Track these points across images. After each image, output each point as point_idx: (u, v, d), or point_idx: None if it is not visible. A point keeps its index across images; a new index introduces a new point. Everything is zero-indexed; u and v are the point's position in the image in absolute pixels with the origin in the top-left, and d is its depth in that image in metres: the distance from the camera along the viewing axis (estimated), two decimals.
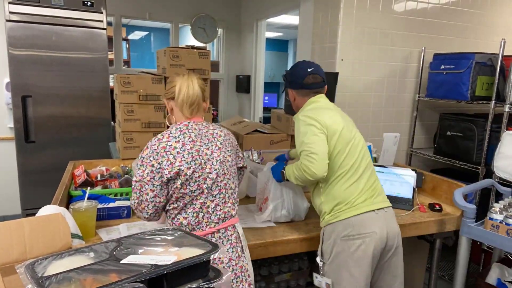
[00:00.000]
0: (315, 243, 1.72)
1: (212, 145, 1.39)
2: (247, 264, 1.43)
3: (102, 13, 3.18)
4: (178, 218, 1.36)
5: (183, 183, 1.31)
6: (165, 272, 0.66)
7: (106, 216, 1.76)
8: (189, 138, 1.34)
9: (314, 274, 1.64)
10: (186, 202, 1.34)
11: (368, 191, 1.59)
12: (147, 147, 1.34)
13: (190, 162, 1.31)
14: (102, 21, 3.20)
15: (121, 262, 0.71)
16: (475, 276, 2.23)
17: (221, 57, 5.04)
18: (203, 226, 1.36)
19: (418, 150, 3.16)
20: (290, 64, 7.57)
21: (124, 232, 1.63)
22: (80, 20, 3.13)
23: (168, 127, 1.46)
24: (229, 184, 1.42)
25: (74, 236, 1.34)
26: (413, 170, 2.22)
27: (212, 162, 1.36)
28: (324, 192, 1.62)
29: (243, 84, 4.82)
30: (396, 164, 2.53)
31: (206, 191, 1.35)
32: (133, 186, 1.36)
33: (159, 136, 1.35)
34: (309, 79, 1.70)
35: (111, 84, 3.45)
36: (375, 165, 2.28)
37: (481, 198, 2.69)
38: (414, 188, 2.17)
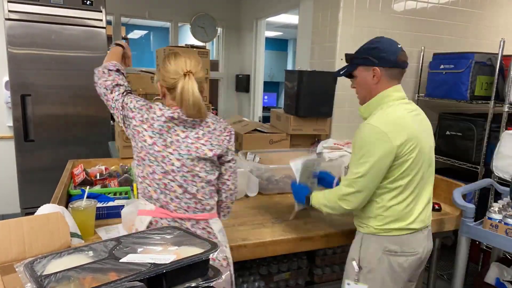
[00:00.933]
0: (314, 243, 1.72)
1: (187, 159, 1.29)
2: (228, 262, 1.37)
3: (101, 12, 3.18)
4: (148, 190, 1.32)
5: (142, 148, 1.29)
6: (164, 271, 0.66)
7: (105, 215, 1.76)
8: (163, 142, 1.28)
9: (347, 281, 1.54)
10: (148, 172, 1.30)
11: (424, 210, 1.49)
12: (136, 100, 1.36)
13: (153, 161, 1.28)
14: (101, 20, 3.19)
15: (120, 261, 0.71)
16: (474, 275, 2.23)
17: (220, 56, 5.04)
18: (171, 210, 1.30)
19: None
20: (289, 64, 7.56)
21: (123, 231, 1.63)
22: (79, 19, 3.12)
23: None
24: (198, 174, 1.32)
25: (73, 235, 1.34)
26: None
27: (176, 176, 1.28)
28: (380, 207, 1.46)
29: (243, 83, 4.82)
30: None
31: (170, 176, 1.28)
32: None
33: (145, 115, 1.30)
34: (403, 55, 1.44)
35: None
36: None
37: (480, 197, 2.70)
38: None
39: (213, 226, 1.36)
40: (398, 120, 1.39)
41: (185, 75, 1.30)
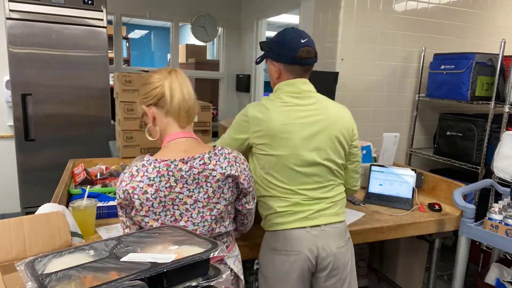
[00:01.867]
0: None
1: (199, 192, 1.11)
2: None
3: (102, 11, 3.18)
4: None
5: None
6: (165, 270, 0.66)
7: (106, 215, 1.76)
8: (166, 183, 1.07)
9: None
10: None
11: (307, 207, 1.40)
12: (121, 180, 1.09)
13: (159, 213, 1.08)
14: (102, 20, 3.20)
15: (121, 260, 0.71)
16: (474, 276, 2.23)
17: (221, 56, 5.04)
18: None
19: (418, 150, 3.16)
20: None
21: (121, 231, 1.63)
22: (80, 18, 3.13)
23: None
24: (219, 236, 1.19)
25: (73, 234, 1.34)
26: (412, 170, 2.23)
27: (192, 214, 1.11)
28: (258, 199, 1.44)
29: (243, 83, 4.82)
30: (395, 164, 2.53)
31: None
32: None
33: (134, 169, 1.08)
34: (303, 53, 1.40)
35: (111, 82, 3.45)
36: (374, 165, 2.29)
37: (480, 198, 2.70)
38: (413, 188, 2.17)
39: (228, 261, 1.24)
40: (264, 111, 1.39)
41: (170, 72, 1.15)
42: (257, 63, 1.62)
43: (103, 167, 2.23)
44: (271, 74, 1.52)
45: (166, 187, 1.07)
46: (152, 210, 1.07)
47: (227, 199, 1.16)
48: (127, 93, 2.29)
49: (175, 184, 1.08)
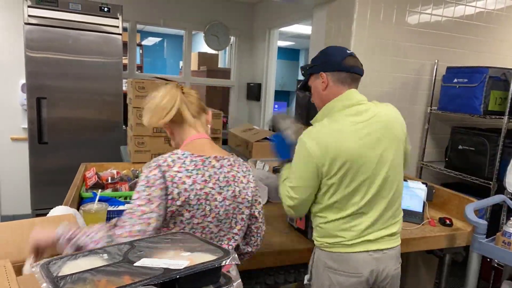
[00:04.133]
0: None
1: (227, 190, 1.17)
2: None
3: (118, 18, 3.24)
4: None
5: (180, 220, 1.13)
6: (177, 276, 0.67)
7: None
8: (202, 177, 1.13)
9: None
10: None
11: (373, 233, 1.37)
12: (149, 170, 1.10)
13: (193, 205, 1.11)
14: (118, 27, 3.26)
15: (134, 265, 0.72)
16: None
17: (232, 65, 5.08)
18: None
19: (429, 163, 3.13)
20: (300, 74, 7.59)
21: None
22: (96, 25, 3.19)
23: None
24: (234, 238, 1.22)
25: None
26: (423, 183, 2.20)
27: (219, 211, 1.16)
28: (320, 223, 1.42)
29: (254, 92, 4.85)
30: (406, 176, 2.51)
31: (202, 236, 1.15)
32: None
33: (169, 160, 1.11)
34: (350, 60, 1.39)
35: (124, 88, 3.50)
36: None
37: (492, 214, 2.65)
38: (424, 202, 2.15)
39: (233, 273, 1.23)
40: (329, 137, 1.32)
41: (166, 86, 1.23)
42: (300, 89, 1.60)
43: (114, 171, 2.26)
44: (317, 90, 1.45)
45: (202, 181, 1.13)
46: (188, 202, 1.10)
47: (250, 201, 1.23)
48: (140, 99, 2.32)
49: (209, 179, 1.14)
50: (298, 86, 1.61)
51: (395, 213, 1.43)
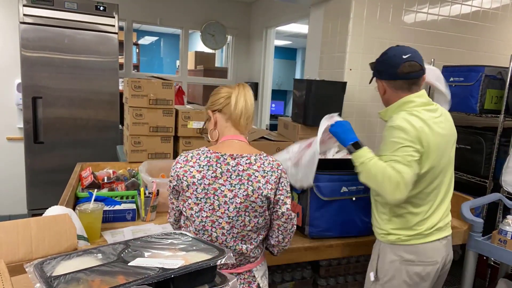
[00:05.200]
0: (319, 253, 1.71)
1: (240, 188, 1.18)
2: None
3: (114, 17, 3.23)
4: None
5: (190, 214, 1.22)
6: (172, 276, 0.66)
7: (112, 219, 1.77)
8: (212, 173, 1.18)
9: None
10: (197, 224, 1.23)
11: (440, 222, 1.50)
12: (176, 162, 1.23)
13: (201, 198, 1.18)
14: (114, 26, 3.24)
15: (129, 264, 0.71)
16: None
17: (229, 64, 5.07)
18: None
19: None
20: (298, 73, 7.59)
21: (128, 236, 1.63)
22: (92, 24, 3.18)
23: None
24: (248, 235, 1.23)
25: (79, 237, 1.35)
26: None
27: (229, 208, 1.18)
28: (393, 212, 1.48)
29: None
30: None
31: (214, 237, 1.20)
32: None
33: (189, 155, 1.22)
34: (405, 67, 1.44)
35: (120, 87, 3.49)
36: None
37: (488, 212, 2.66)
38: None
39: (256, 274, 1.30)
40: (418, 127, 1.39)
41: (238, 85, 1.29)
42: (370, 82, 1.72)
43: (110, 171, 2.25)
44: (381, 91, 1.60)
45: (212, 177, 1.18)
46: (195, 195, 1.17)
47: (264, 201, 1.21)
48: (136, 98, 2.31)
49: (220, 176, 1.18)
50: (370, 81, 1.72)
51: (449, 202, 1.58)
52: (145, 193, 1.80)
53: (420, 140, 1.37)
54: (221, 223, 1.19)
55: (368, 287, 1.59)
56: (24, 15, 3.00)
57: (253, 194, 1.19)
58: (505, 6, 3.25)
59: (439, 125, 1.44)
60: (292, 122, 2.75)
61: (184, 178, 1.19)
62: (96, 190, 1.79)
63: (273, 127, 3.84)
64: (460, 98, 2.73)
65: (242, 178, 1.19)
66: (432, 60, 3.01)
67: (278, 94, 7.24)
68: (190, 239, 0.85)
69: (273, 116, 5.46)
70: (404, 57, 1.45)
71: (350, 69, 2.79)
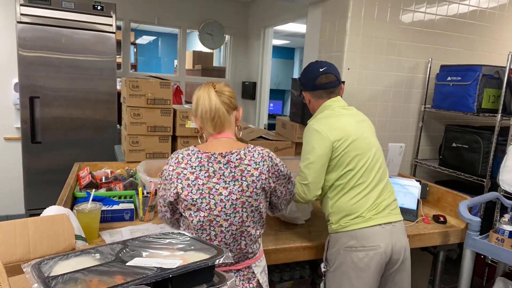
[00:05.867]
0: (317, 252, 1.71)
1: (234, 185, 1.19)
2: None
3: (111, 17, 3.22)
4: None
5: (189, 214, 1.21)
6: (170, 275, 0.66)
7: (110, 219, 1.76)
8: (205, 173, 1.19)
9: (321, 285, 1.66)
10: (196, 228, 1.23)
11: (378, 205, 1.56)
12: (167, 162, 1.24)
13: (196, 199, 1.18)
14: (111, 25, 3.23)
15: (127, 264, 0.71)
16: None
17: (227, 63, 5.07)
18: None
19: (423, 161, 3.15)
20: (296, 72, 7.61)
21: (127, 236, 1.63)
22: (90, 23, 3.17)
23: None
24: (247, 231, 1.24)
25: (77, 237, 1.35)
26: (417, 181, 2.21)
27: (225, 205, 1.19)
28: (332, 204, 1.60)
29: (249, 91, 4.84)
30: (400, 174, 2.52)
31: (212, 234, 1.21)
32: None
33: (180, 157, 1.22)
34: (322, 79, 1.65)
35: (118, 87, 3.48)
36: None
37: (485, 211, 2.67)
38: (418, 199, 2.16)
39: (256, 270, 1.32)
40: (333, 121, 1.60)
41: (203, 85, 1.29)
42: (301, 95, 1.89)
43: (108, 171, 2.24)
44: (306, 101, 1.79)
45: (205, 176, 1.19)
46: (191, 196, 1.18)
47: (259, 194, 1.23)
48: (134, 98, 2.31)
49: (213, 175, 1.20)
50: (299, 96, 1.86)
51: (388, 187, 1.63)
52: (143, 193, 1.79)
53: (334, 135, 1.55)
54: (219, 222, 1.19)
55: (322, 277, 1.68)
56: (21, 14, 2.99)
57: (248, 188, 1.20)
58: (502, 5, 3.26)
59: (355, 117, 1.65)
60: (290, 121, 2.75)
61: (178, 180, 1.19)
62: (94, 190, 1.79)
63: (271, 127, 3.84)
64: (457, 98, 2.74)
65: (235, 175, 1.20)
66: (430, 59, 3.02)
67: (276, 94, 7.24)
68: (188, 239, 0.85)
69: (271, 116, 5.46)
70: (321, 70, 1.65)
71: (348, 69, 2.80)
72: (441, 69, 2.94)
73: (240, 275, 1.27)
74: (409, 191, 2.19)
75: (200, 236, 1.21)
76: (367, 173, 1.57)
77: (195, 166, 1.20)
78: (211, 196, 1.18)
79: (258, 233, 1.29)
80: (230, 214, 1.19)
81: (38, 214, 1.35)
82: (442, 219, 2.06)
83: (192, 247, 0.80)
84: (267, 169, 1.23)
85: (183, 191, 1.18)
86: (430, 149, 3.29)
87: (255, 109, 4.84)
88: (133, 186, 2.05)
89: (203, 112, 1.24)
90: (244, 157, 1.23)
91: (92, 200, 1.62)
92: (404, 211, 2.13)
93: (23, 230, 1.14)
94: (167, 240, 0.84)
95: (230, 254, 0.73)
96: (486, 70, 2.61)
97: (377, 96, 2.97)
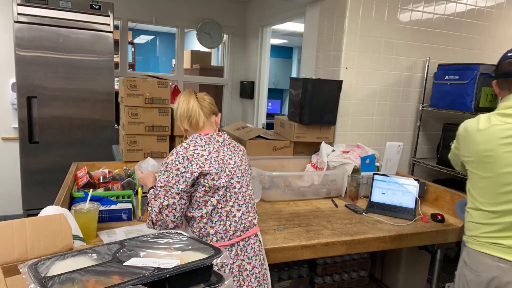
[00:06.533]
0: (315, 251, 1.71)
1: (235, 156, 1.46)
2: (268, 272, 1.49)
3: (109, 16, 3.21)
4: (205, 228, 1.38)
5: (210, 188, 1.35)
6: (167, 275, 0.66)
7: (107, 219, 1.76)
8: (213, 148, 1.40)
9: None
10: (211, 209, 1.37)
11: (501, 233, 1.39)
12: (173, 153, 1.37)
13: (218, 168, 1.36)
14: (109, 25, 3.22)
15: (124, 264, 0.71)
16: None
17: (225, 63, 5.06)
18: (230, 235, 1.38)
19: (421, 160, 3.15)
20: (294, 71, 7.59)
21: (121, 236, 1.62)
22: (87, 23, 3.16)
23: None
24: (251, 195, 1.49)
25: (75, 237, 1.34)
26: (415, 179, 2.22)
27: (236, 171, 1.42)
28: (474, 213, 1.49)
29: (247, 90, 4.84)
30: (398, 173, 2.52)
31: (232, 200, 1.40)
32: (155, 193, 1.36)
33: (184, 144, 1.39)
34: (506, 65, 1.39)
35: (116, 87, 3.47)
36: (377, 174, 2.28)
37: None
38: (416, 198, 2.16)
39: (260, 237, 1.52)
40: (478, 124, 1.47)
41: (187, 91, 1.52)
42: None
43: (106, 170, 2.24)
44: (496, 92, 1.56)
45: (214, 151, 1.40)
46: (213, 166, 1.35)
47: (247, 165, 1.55)
48: (131, 98, 2.30)
49: (218, 149, 1.42)
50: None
51: None
52: (142, 192, 1.79)
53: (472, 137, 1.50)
54: (233, 184, 1.40)
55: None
56: (19, 14, 2.98)
57: (242, 159, 1.49)
58: (499, 4, 3.26)
59: (505, 132, 1.41)
60: (288, 120, 2.75)
61: (195, 159, 1.34)
62: (91, 189, 1.78)
63: (269, 126, 3.84)
64: (455, 96, 2.74)
65: (231, 149, 1.47)
66: (428, 58, 3.02)
67: (274, 93, 7.24)
68: (186, 238, 0.85)
69: (269, 115, 5.46)
70: (509, 54, 1.41)
71: (346, 68, 2.80)
72: (439, 68, 2.94)
73: (251, 243, 1.44)
74: (407, 190, 2.19)
75: (218, 203, 1.37)
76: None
77: (204, 145, 1.38)
78: (225, 165, 1.39)
79: (255, 202, 1.54)
80: (240, 177, 1.43)
81: (36, 214, 1.35)
82: (440, 217, 2.06)
83: (190, 247, 0.80)
84: (243, 152, 1.55)
85: (204, 166, 1.34)
86: (428, 148, 3.30)
87: (254, 109, 4.83)
88: (131, 186, 2.04)
89: (181, 112, 1.46)
90: (230, 140, 1.51)
91: (90, 200, 1.61)
92: (402, 210, 2.14)
93: (21, 230, 1.13)
94: (165, 240, 0.83)
95: (227, 253, 0.74)
96: (483, 69, 2.62)
97: (375, 95, 2.97)
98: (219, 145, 1.43)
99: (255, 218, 1.49)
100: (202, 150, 1.37)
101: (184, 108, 1.46)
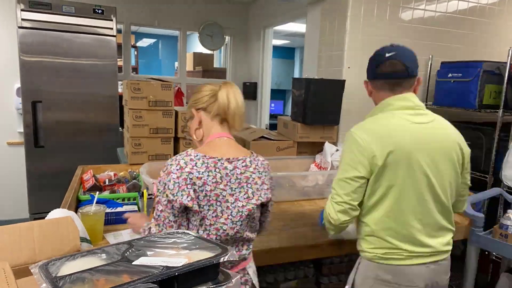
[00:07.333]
0: (321, 251, 1.71)
1: (240, 192, 1.18)
2: None
3: (112, 20, 3.23)
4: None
5: (194, 218, 1.16)
6: (176, 273, 0.67)
7: (114, 221, 1.77)
8: (213, 178, 1.14)
9: None
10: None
11: (426, 239, 1.33)
12: (166, 171, 1.14)
13: (203, 206, 1.13)
14: (112, 29, 3.25)
15: (133, 263, 0.72)
16: (484, 286, 2.20)
17: (228, 64, 5.08)
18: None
19: None
20: (296, 72, 7.61)
21: (128, 238, 1.63)
22: (90, 27, 3.19)
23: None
24: (247, 236, 1.23)
25: (82, 239, 1.35)
26: None
27: (232, 212, 1.16)
28: (366, 228, 1.36)
29: (250, 91, 4.85)
30: None
31: (217, 239, 1.17)
32: (155, 204, 1.18)
33: (181, 162, 1.13)
34: (385, 67, 1.35)
35: (119, 90, 3.49)
36: None
37: (489, 207, 2.67)
38: None
39: (249, 271, 1.28)
40: (381, 129, 1.32)
41: (224, 83, 1.25)
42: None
43: (112, 173, 2.26)
44: (368, 93, 1.53)
45: (212, 182, 1.14)
46: (198, 202, 1.12)
47: (262, 203, 1.24)
48: (135, 100, 2.32)
49: (220, 181, 1.15)
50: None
51: (443, 220, 1.40)
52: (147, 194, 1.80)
53: (375, 145, 1.30)
54: (225, 230, 1.16)
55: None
56: (22, 19, 3.01)
57: (253, 196, 1.20)
58: (501, 1, 3.26)
59: (416, 132, 1.34)
60: (291, 121, 2.76)
61: (187, 186, 1.11)
62: (97, 192, 1.79)
63: (272, 127, 3.84)
64: (458, 94, 2.74)
65: (241, 181, 1.18)
66: (430, 56, 3.02)
67: (277, 94, 7.25)
68: (193, 238, 0.86)
69: (272, 116, 5.46)
70: (387, 55, 1.38)
71: (349, 67, 2.80)
72: (441, 66, 2.94)
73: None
74: None
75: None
76: (422, 202, 1.35)
77: (202, 172, 1.13)
78: (218, 203, 1.15)
79: (253, 238, 1.28)
80: (236, 222, 1.17)
81: (43, 218, 1.36)
82: None
83: (197, 246, 0.81)
84: (269, 180, 1.25)
85: (188, 196, 1.11)
86: None
87: (257, 109, 4.84)
88: (136, 188, 2.06)
89: (232, 109, 1.21)
90: (250, 164, 1.21)
91: (96, 202, 1.63)
92: None
93: (28, 234, 1.15)
94: (172, 240, 0.84)
95: (234, 252, 0.75)
96: (486, 66, 2.61)
97: None
98: (226, 173, 1.16)
99: (247, 252, 1.27)
100: (197, 177, 1.12)
101: (235, 105, 1.22)
